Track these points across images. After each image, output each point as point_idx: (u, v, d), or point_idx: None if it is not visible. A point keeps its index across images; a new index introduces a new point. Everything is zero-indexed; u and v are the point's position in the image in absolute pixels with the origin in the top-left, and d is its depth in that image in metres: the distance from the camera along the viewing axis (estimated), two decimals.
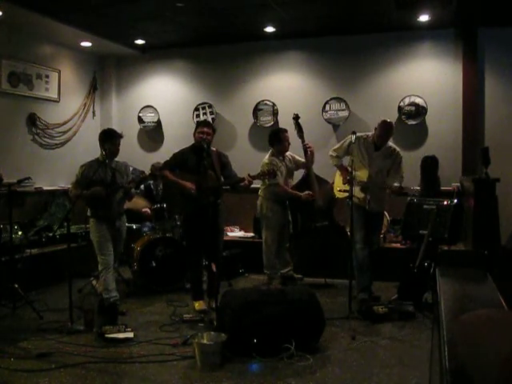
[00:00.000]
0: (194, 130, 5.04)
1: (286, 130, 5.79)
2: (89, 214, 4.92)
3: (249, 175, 4.80)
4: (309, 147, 5.73)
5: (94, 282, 5.44)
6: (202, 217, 4.71)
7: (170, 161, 5.07)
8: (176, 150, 5.19)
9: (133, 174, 5.24)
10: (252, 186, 4.92)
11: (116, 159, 4.97)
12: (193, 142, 5.04)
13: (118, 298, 4.86)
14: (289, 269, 5.91)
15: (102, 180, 4.78)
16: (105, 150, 4.80)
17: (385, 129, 5.09)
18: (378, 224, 5.43)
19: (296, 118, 6.00)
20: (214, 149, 5.08)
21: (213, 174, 4.87)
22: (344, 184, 5.11)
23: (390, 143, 5.24)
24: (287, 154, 5.79)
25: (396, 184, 5.02)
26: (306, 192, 5.67)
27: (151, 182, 6.56)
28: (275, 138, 5.72)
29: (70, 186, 4.91)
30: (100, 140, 4.90)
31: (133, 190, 5.04)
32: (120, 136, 4.92)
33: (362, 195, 5.08)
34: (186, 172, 4.92)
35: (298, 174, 6.01)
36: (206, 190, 4.77)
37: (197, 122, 5.18)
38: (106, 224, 4.83)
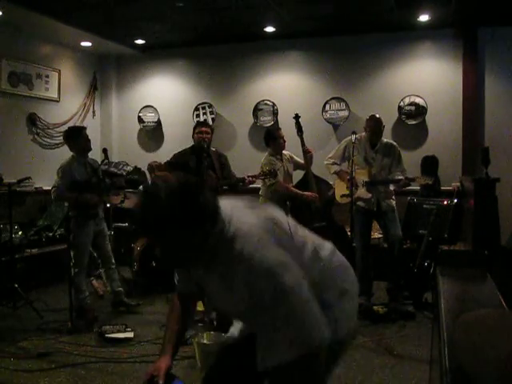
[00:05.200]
0: (192, 132, 5.05)
1: (278, 128, 5.79)
2: (70, 213, 4.72)
3: (248, 176, 4.80)
4: (308, 152, 5.69)
5: (94, 282, 5.45)
6: None
7: (172, 162, 5.02)
8: (176, 150, 5.19)
9: (122, 170, 5.22)
10: (252, 185, 4.91)
11: (104, 159, 4.91)
12: (192, 143, 5.05)
13: (87, 296, 4.73)
14: None
15: (87, 181, 4.66)
16: (81, 147, 4.68)
17: (376, 123, 4.97)
18: (393, 217, 5.05)
19: (296, 117, 5.98)
20: (214, 149, 5.09)
21: (213, 174, 4.88)
22: (347, 188, 4.96)
23: (386, 139, 5.13)
24: (286, 153, 5.72)
25: (400, 177, 4.93)
26: (310, 192, 5.61)
27: (149, 181, 6.56)
28: (269, 137, 5.67)
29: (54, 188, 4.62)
30: (69, 139, 4.75)
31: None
32: (84, 128, 4.84)
33: (368, 195, 4.96)
34: (187, 173, 4.90)
35: (298, 176, 5.98)
36: None
37: (196, 122, 5.18)
38: (84, 222, 4.68)
